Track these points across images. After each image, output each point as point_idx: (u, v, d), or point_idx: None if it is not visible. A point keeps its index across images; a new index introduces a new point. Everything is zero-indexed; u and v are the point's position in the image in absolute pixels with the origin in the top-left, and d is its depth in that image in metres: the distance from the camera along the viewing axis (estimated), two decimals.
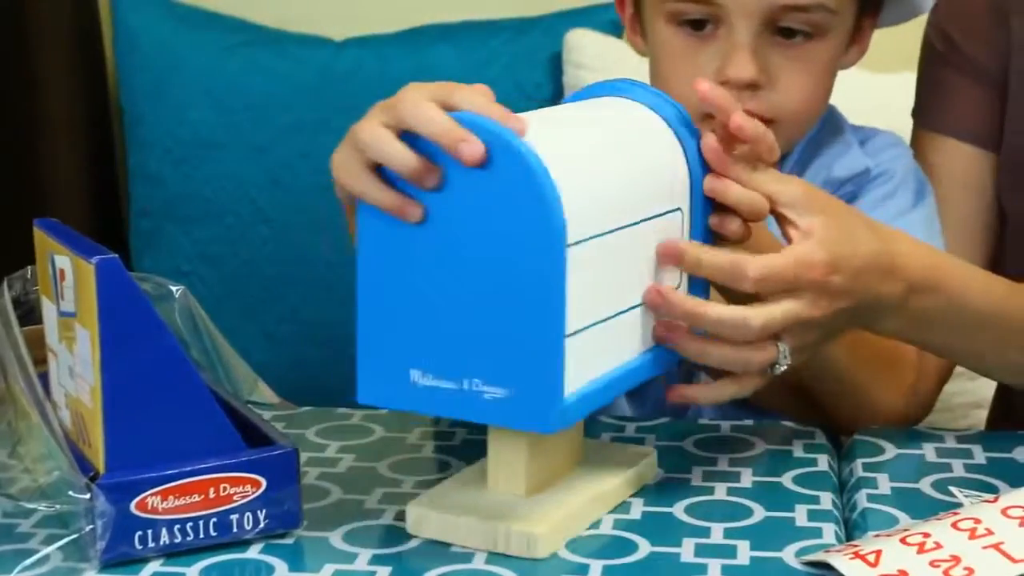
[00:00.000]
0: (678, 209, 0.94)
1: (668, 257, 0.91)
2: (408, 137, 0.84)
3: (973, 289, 1.04)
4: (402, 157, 0.83)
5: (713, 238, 0.96)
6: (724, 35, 1.13)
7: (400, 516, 0.91)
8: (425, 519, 0.89)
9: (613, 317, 0.88)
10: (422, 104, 0.84)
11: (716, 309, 0.91)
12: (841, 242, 0.94)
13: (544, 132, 0.86)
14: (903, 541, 0.84)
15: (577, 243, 0.83)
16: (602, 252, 0.86)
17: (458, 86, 0.85)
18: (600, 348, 0.87)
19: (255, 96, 1.92)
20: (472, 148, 0.81)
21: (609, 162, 0.89)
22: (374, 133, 0.85)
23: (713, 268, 0.92)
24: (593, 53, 1.84)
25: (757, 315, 0.91)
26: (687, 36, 1.15)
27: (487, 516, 0.88)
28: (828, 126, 1.25)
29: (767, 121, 1.11)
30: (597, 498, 0.92)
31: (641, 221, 0.90)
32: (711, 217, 0.95)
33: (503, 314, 0.82)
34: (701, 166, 0.94)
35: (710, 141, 0.94)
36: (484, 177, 0.82)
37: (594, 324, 0.86)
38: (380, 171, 0.85)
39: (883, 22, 1.24)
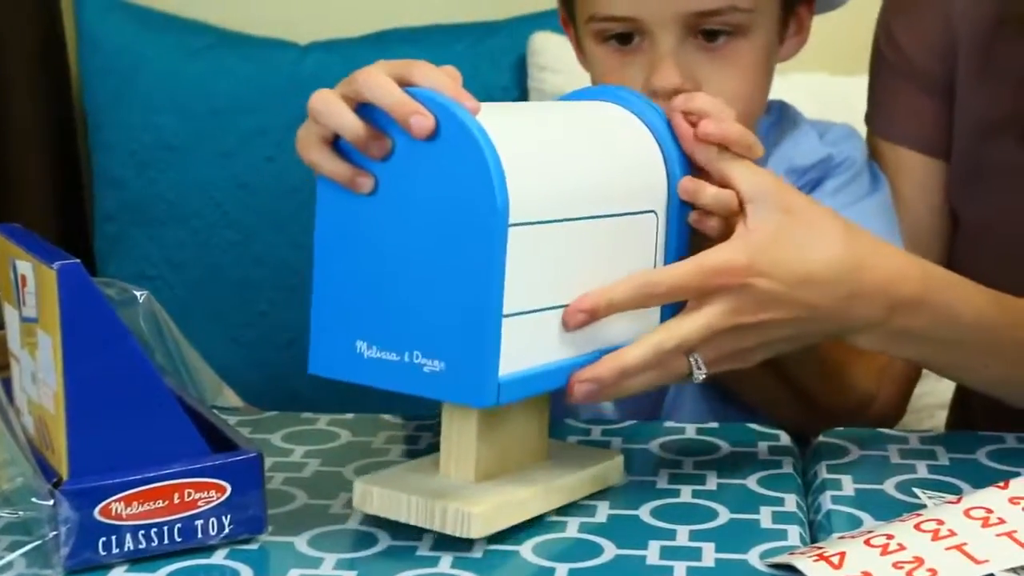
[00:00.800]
0: (652, 212, 0.94)
1: (582, 316, 0.89)
2: (366, 110, 0.85)
3: (959, 303, 1.01)
4: (351, 124, 0.85)
5: (689, 240, 0.96)
6: (649, 47, 1.15)
7: (366, 520, 0.91)
8: (368, 495, 0.90)
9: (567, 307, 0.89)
10: (378, 76, 0.85)
11: (633, 354, 0.90)
12: (782, 247, 0.92)
13: (503, 116, 0.87)
14: (867, 543, 0.84)
15: (523, 224, 0.84)
16: (555, 239, 0.87)
17: (420, 63, 0.86)
18: (550, 334, 0.88)
19: (220, 100, 1.91)
20: (422, 121, 0.83)
21: (572, 154, 0.90)
22: (327, 100, 0.87)
23: (624, 302, 0.90)
24: (558, 56, 1.84)
25: (669, 338, 0.91)
26: (615, 51, 1.17)
27: (428, 494, 0.88)
28: (784, 119, 1.27)
29: None
30: (549, 491, 0.92)
31: (606, 216, 0.91)
32: (691, 214, 0.95)
33: (444, 288, 0.84)
34: (681, 173, 0.95)
35: (678, 120, 0.94)
36: (433, 151, 0.83)
37: (543, 309, 0.87)
38: (337, 145, 0.87)
39: (819, 9, 1.25)
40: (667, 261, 0.95)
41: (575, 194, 0.89)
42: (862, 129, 1.34)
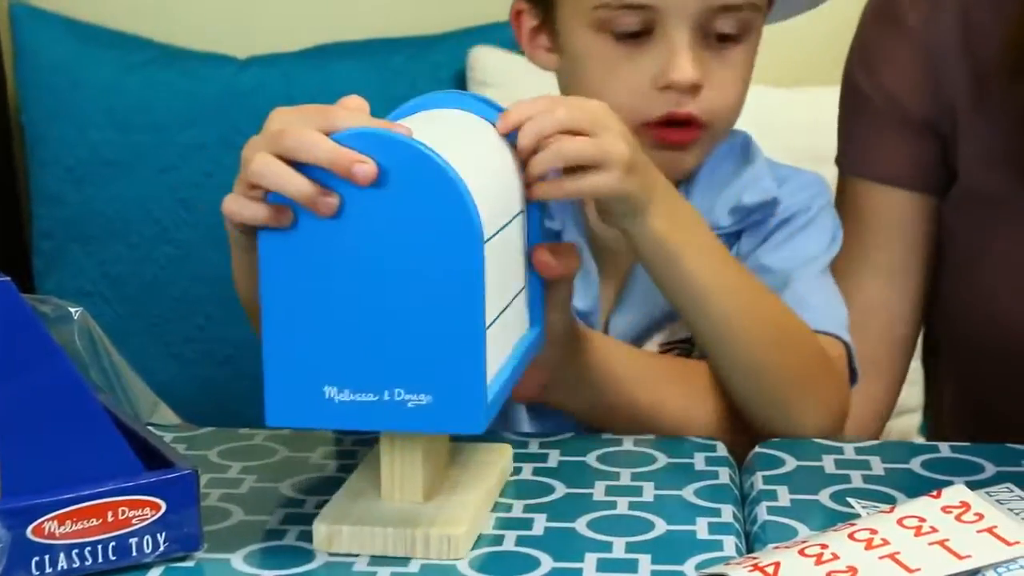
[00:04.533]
0: (523, 211, 0.97)
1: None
2: (297, 167, 0.85)
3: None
4: (298, 185, 0.84)
5: (542, 237, 1.00)
6: (659, 39, 1.12)
7: (302, 536, 0.91)
8: (337, 534, 0.89)
9: (506, 308, 0.91)
10: (306, 132, 0.84)
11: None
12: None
13: (433, 139, 0.87)
14: (801, 553, 0.85)
15: (488, 239, 0.84)
16: (499, 246, 0.88)
17: (331, 109, 0.86)
18: (500, 340, 0.89)
19: (158, 115, 1.91)
20: (365, 169, 0.82)
21: (486, 162, 0.92)
22: (266, 164, 0.85)
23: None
24: (496, 70, 1.85)
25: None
26: (621, 44, 1.13)
27: (402, 524, 0.88)
28: (744, 154, 1.23)
29: (701, 125, 1.13)
30: (487, 495, 0.94)
31: (513, 218, 0.94)
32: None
33: (422, 319, 0.83)
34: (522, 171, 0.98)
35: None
36: (392, 186, 0.83)
37: (497, 317, 0.88)
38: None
39: (771, 19, 1.25)
40: (527, 256, 0.98)
41: (502, 200, 0.91)
42: (799, 143, 1.35)
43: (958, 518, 0.88)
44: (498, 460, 0.99)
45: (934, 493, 0.91)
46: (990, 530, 0.87)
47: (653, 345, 1.19)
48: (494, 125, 0.97)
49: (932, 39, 1.28)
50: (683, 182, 1.19)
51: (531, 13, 1.21)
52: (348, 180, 0.82)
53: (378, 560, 0.88)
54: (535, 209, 0.99)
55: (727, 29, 1.13)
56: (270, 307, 0.86)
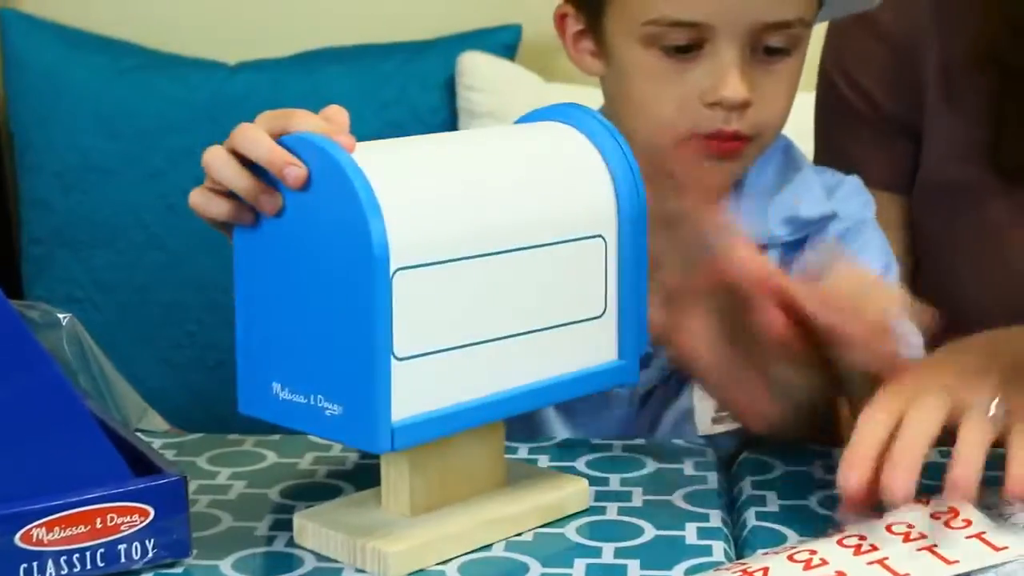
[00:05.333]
0: (599, 236, 0.93)
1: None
2: (255, 166, 0.86)
3: None
4: (241, 180, 0.86)
5: (646, 263, 0.96)
6: (709, 55, 1.10)
7: (291, 542, 0.91)
8: (304, 530, 0.91)
9: (482, 344, 0.88)
10: (252, 131, 0.86)
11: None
12: None
13: (398, 156, 0.87)
14: (790, 558, 0.85)
15: (412, 267, 0.83)
16: (458, 277, 0.86)
17: (298, 112, 0.87)
18: (456, 375, 0.87)
19: (147, 120, 1.91)
20: (295, 171, 0.83)
21: (482, 188, 0.89)
22: (214, 155, 0.87)
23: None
24: (486, 76, 1.85)
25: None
26: (670, 59, 1.11)
27: (353, 532, 0.89)
28: (788, 161, 1.22)
29: (747, 139, 1.12)
30: (491, 523, 0.92)
31: (532, 247, 0.90)
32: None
33: (338, 333, 0.84)
34: (630, 195, 0.94)
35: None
36: (318, 195, 0.84)
37: (448, 350, 0.86)
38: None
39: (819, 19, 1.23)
40: (621, 285, 0.95)
41: (482, 230, 0.87)
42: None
43: (947, 524, 0.88)
44: (553, 491, 0.96)
45: (923, 499, 0.91)
46: (979, 536, 0.87)
47: None
48: (600, 145, 0.94)
49: (903, 32, 1.28)
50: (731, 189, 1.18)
51: (576, 18, 1.19)
52: (282, 182, 0.84)
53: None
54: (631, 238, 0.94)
55: (777, 43, 1.12)
56: (241, 299, 0.89)
